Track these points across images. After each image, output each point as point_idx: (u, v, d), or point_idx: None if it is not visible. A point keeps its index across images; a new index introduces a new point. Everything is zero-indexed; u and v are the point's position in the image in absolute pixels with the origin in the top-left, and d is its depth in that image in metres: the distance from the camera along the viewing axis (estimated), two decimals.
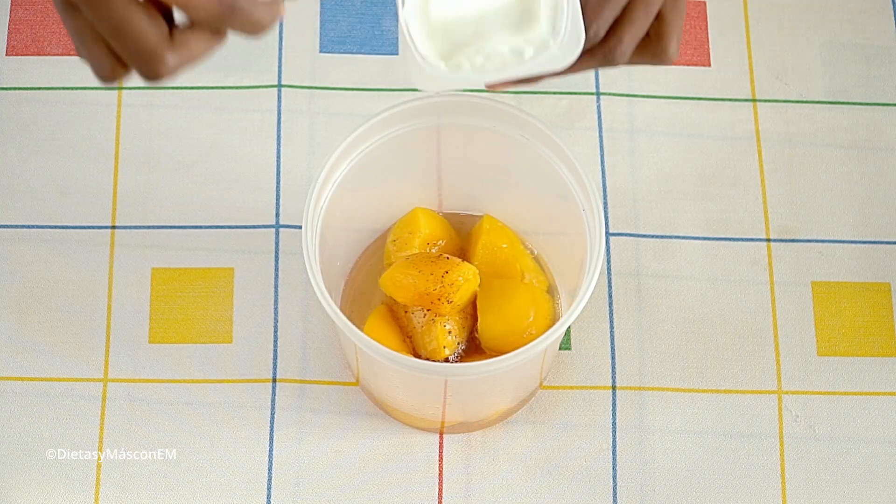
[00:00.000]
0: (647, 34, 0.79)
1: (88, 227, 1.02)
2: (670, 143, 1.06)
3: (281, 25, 1.09)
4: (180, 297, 1.00)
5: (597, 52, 0.78)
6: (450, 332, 0.93)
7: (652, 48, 0.80)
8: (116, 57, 0.70)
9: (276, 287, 1.01)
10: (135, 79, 0.71)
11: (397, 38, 1.09)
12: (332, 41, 1.09)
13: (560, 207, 0.92)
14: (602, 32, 0.77)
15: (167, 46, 0.69)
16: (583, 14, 0.76)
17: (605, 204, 1.04)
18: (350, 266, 1.00)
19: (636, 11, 0.77)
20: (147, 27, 0.69)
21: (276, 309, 1.00)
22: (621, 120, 1.07)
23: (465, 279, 0.92)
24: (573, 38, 0.77)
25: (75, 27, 0.70)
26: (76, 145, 1.04)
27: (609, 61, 0.79)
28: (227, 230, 1.02)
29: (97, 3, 0.68)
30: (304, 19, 1.09)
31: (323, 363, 0.99)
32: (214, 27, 0.70)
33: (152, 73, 0.70)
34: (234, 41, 1.09)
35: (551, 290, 0.98)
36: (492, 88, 0.80)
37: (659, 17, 0.79)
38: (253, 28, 0.70)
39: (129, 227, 1.02)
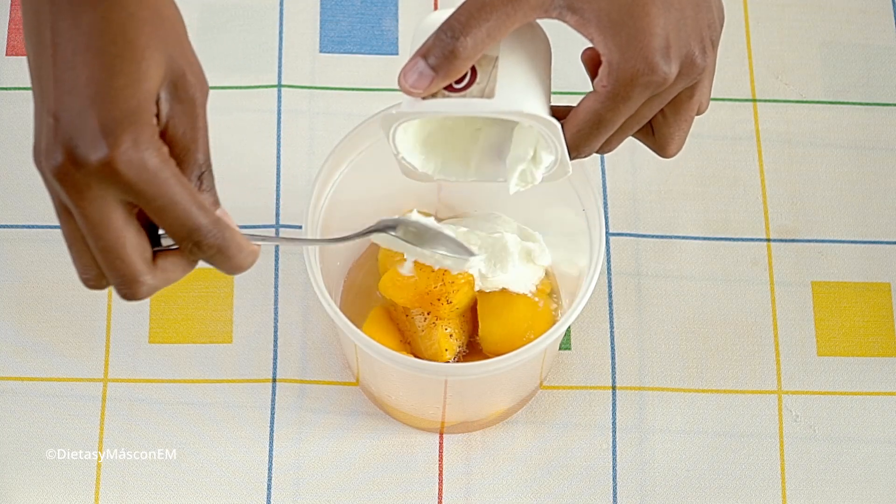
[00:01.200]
0: (651, 127, 0.78)
1: None
2: None
3: (281, 25, 1.09)
4: (180, 297, 1.00)
5: None
6: (451, 336, 0.93)
7: (651, 140, 0.79)
8: (101, 269, 0.70)
9: (276, 287, 1.01)
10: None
11: (397, 38, 1.09)
12: (332, 41, 1.09)
13: (560, 207, 0.92)
14: (592, 152, 0.77)
15: (148, 273, 0.69)
16: (575, 138, 0.76)
17: (605, 204, 1.04)
18: (350, 266, 1.00)
19: (627, 126, 0.76)
20: (133, 253, 0.69)
21: (276, 309, 1.00)
22: None
23: (465, 279, 0.92)
24: (561, 171, 0.79)
25: (68, 231, 0.70)
26: None
27: (597, 153, 0.79)
28: None
29: (94, 220, 0.67)
30: (304, 19, 1.09)
31: (323, 363, 0.99)
32: (196, 259, 0.70)
33: (129, 294, 0.70)
34: (234, 41, 1.09)
35: (551, 291, 0.98)
36: None
37: (663, 116, 0.77)
38: (232, 270, 0.71)
39: None
